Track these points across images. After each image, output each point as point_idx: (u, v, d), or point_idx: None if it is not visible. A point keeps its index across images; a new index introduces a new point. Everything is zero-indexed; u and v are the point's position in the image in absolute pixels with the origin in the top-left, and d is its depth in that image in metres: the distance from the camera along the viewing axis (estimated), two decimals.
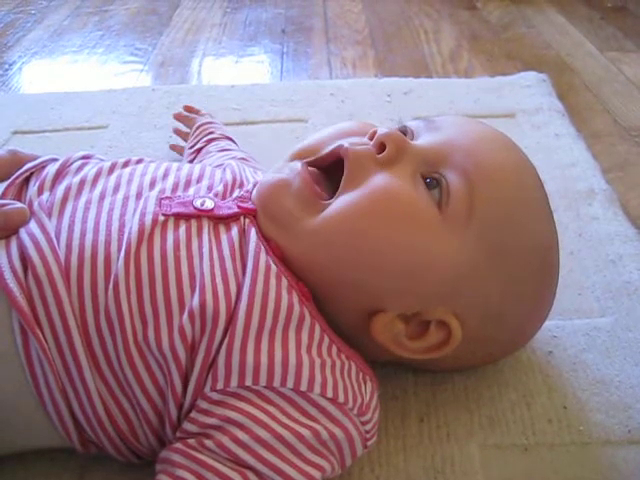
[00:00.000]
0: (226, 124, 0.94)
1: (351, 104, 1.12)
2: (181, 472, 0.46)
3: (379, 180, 0.53)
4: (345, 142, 0.56)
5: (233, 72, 1.35)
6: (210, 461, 0.47)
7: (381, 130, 0.56)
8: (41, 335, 0.48)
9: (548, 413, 0.61)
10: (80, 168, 0.59)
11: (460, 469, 0.56)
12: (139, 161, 0.61)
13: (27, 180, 0.58)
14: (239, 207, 0.56)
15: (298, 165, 0.56)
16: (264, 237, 0.54)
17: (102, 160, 0.62)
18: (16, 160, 0.59)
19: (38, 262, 0.49)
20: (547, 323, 0.66)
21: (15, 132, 1.05)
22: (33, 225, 0.52)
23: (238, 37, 1.49)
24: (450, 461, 0.57)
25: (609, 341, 0.67)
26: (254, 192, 0.58)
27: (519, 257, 0.55)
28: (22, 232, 0.52)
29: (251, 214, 0.55)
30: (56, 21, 1.58)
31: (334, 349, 0.52)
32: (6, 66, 1.36)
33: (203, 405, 0.48)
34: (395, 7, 1.63)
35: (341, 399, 0.50)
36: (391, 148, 0.54)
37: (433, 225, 0.52)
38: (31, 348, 0.49)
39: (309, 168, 0.56)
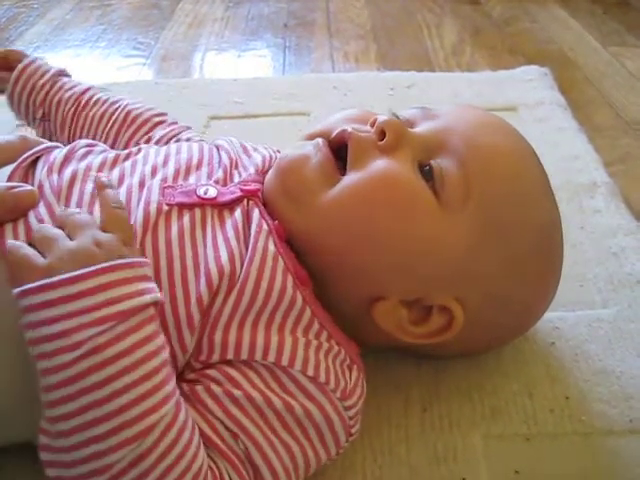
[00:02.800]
0: (229, 117, 0.94)
1: (354, 97, 1.12)
2: None
3: (380, 165, 0.54)
4: (349, 127, 0.57)
5: (235, 66, 1.35)
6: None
7: (381, 118, 0.56)
8: None
9: (550, 403, 0.61)
10: (85, 155, 0.59)
11: (463, 458, 0.56)
12: (139, 151, 0.61)
13: (33, 163, 0.58)
14: (242, 190, 0.56)
15: (319, 141, 0.57)
16: (271, 217, 0.54)
17: (106, 149, 0.62)
18: (26, 145, 0.59)
19: None
20: (549, 314, 0.66)
21: (19, 125, 1.04)
22: (42, 210, 0.52)
23: (240, 31, 1.49)
24: (453, 450, 0.57)
25: (611, 332, 0.67)
26: (270, 171, 0.58)
27: (520, 238, 0.55)
28: (31, 216, 0.52)
29: (255, 196, 0.56)
30: (58, 15, 1.58)
31: (324, 334, 0.52)
32: None
33: (186, 372, 0.50)
34: (397, 2, 1.63)
35: (322, 379, 0.50)
36: (390, 135, 0.55)
37: (430, 210, 0.53)
38: None
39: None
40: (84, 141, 0.61)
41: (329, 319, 0.54)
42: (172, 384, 0.45)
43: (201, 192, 0.55)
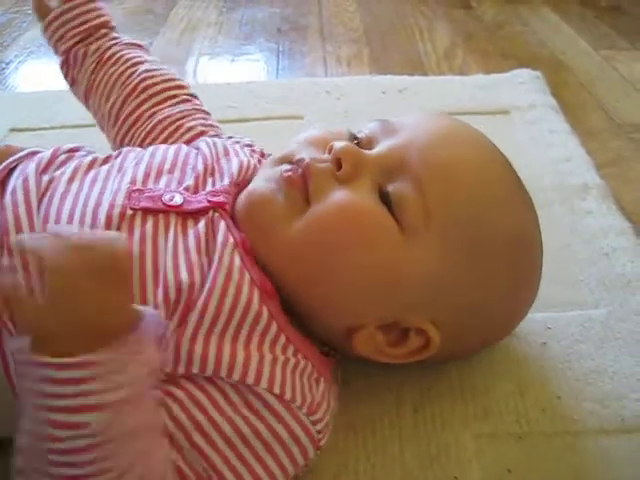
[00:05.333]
0: (222, 121, 0.93)
1: (347, 101, 1.12)
2: None
3: (338, 197, 0.53)
4: (307, 156, 0.55)
5: (229, 71, 1.36)
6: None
7: (337, 145, 0.55)
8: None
9: (542, 403, 0.61)
10: (64, 162, 0.59)
11: (455, 457, 0.57)
12: (119, 154, 0.61)
13: (11, 171, 0.57)
14: (209, 201, 0.55)
15: (287, 167, 0.56)
16: (237, 230, 0.54)
17: (89, 152, 0.62)
18: (9, 152, 0.60)
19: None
20: (541, 315, 0.67)
21: (12, 130, 1.05)
22: (21, 206, 0.53)
23: (234, 36, 1.50)
24: (445, 450, 0.57)
25: (603, 332, 0.68)
26: (240, 199, 0.57)
27: (488, 252, 0.54)
28: (8, 206, 0.52)
29: (221, 208, 0.55)
30: None
31: (290, 349, 0.52)
32: (3, 65, 1.36)
33: None
34: (390, 6, 1.64)
35: (288, 396, 0.50)
36: (347, 165, 0.54)
37: (392, 238, 0.52)
38: (3, 336, 0.49)
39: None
40: (66, 146, 0.61)
41: (296, 333, 0.53)
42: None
43: (166, 198, 0.54)
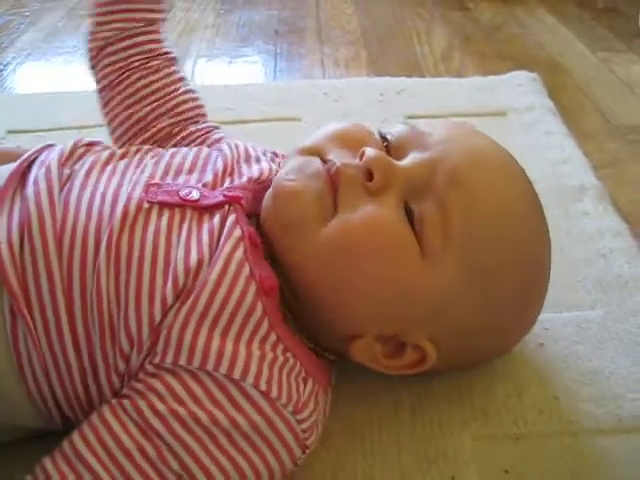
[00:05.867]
0: (220, 123, 0.93)
1: (344, 103, 1.12)
2: (87, 430, 0.49)
3: (367, 211, 0.53)
4: (337, 159, 0.55)
5: (227, 73, 1.36)
6: (117, 428, 0.48)
7: (369, 153, 0.54)
8: (29, 317, 0.49)
9: (540, 404, 0.61)
10: (82, 155, 0.60)
11: (453, 459, 0.57)
12: (137, 152, 0.61)
13: (29, 167, 0.58)
14: (225, 196, 0.56)
15: (319, 168, 0.55)
16: (248, 222, 0.54)
17: (106, 147, 0.63)
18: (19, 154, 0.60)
19: (37, 235, 0.51)
20: (539, 316, 0.67)
21: (10, 131, 1.05)
22: (44, 194, 0.53)
23: (231, 38, 1.50)
24: (443, 452, 0.57)
25: (600, 333, 0.68)
26: (270, 192, 0.57)
27: (503, 283, 0.55)
28: (30, 195, 0.53)
29: (236, 202, 0.55)
30: (50, 23, 1.58)
31: (280, 347, 0.52)
32: (0, 67, 1.36)
33: (140, 375, 0.50)
34: (387, 8, 1.64)
35: (274, 394, 0.49)
36: (378, 177, 0.54)
37: (411, 257, 0.53)
38: (18, 323, 0.50)
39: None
40: (85, 139, 0.62)
41: (288, 331, 0.53)
42: None
43: (183, 193, 0.55)
